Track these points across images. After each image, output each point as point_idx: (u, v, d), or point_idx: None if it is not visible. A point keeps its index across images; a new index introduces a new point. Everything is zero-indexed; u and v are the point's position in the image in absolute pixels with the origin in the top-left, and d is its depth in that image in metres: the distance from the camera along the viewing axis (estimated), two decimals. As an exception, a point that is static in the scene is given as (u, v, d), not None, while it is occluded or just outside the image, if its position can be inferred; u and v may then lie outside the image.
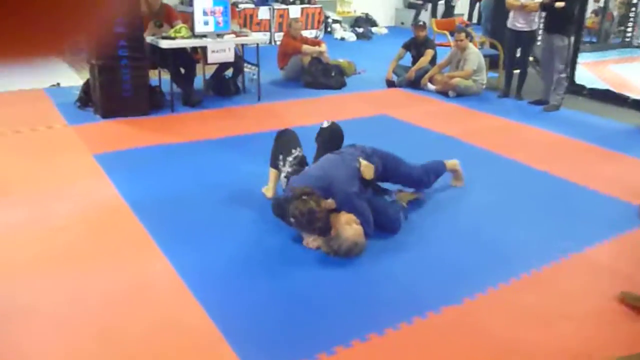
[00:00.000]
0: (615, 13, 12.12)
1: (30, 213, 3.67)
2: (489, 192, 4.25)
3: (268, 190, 3.93)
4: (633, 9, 11.84)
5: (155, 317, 2.68)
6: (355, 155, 3.59)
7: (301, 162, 3.76)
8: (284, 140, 3.88)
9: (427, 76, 7.42)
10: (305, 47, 7.66)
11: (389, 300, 2.87)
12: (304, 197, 3.13)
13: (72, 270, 3.06)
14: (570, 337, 2.65)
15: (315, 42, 8.04)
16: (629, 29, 11.95)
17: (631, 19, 11.90)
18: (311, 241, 3.28)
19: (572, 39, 6.53)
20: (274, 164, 3.86)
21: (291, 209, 3.16)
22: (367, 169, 3.54)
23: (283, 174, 3.72)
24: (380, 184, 3.85)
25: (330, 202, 3.22)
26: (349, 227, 3.16)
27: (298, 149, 3.82)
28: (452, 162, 4.28)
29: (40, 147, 4.92)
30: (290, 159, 3.74)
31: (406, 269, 3.17)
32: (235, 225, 3.58)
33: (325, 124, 4.05)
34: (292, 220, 3.19)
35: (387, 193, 3.81)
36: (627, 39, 11.96)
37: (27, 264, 3.08)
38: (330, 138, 3.93)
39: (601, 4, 11.78)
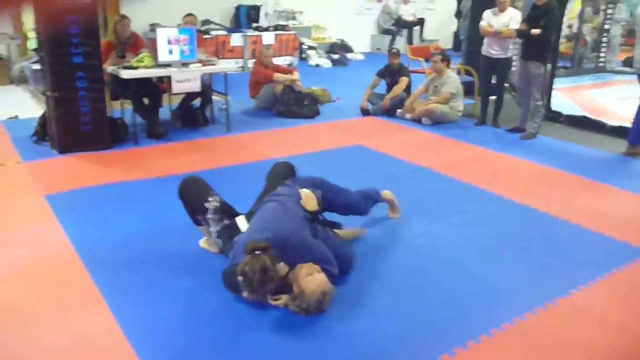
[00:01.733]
0: (588, 38, 12.16)
1: (-33, 263, 3.34)
2: (466, 230, 4.00)
3: (210, 245, 3.49)
4: (605, 34, 11.88)
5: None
6: (294, 192, 3.28)
7: (224, 212, 3.29)
8: (191, 198, 3.37)
9: (407, 105, 7.21)
10: (277, 75, 7.44)
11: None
12: (256, 253, 2.76)
13: (12, 326, 2.75)
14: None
15: (287, 70, 7.83)
16: (602, 54, 11.98)
17: (604, 44, 11.94)
18: (275, 302, 2.94)
19: (549, 65, 6.40)
20: (197, 223, 3.42)
21: (240, 265, 2.75)
22: (309, 199, 3.27)
23: (214, 235, 3.31)
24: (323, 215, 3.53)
25: (282, 267, 2.87)
26: (311, 278, 2.85)
27: (210, 199, 3.30)
28: (386, 193, 4.08)
29: (-12, 187, 4.58)
30: (209, 215, 3.27)
31: (379, 322, 2.88)
32: (192, 278, 3.25)
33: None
34: (240, 279, 2.74)
35: (336, 226, 3.49)
36: (601, 64, 11.98)
37: (-45, 326, 2.75)
38: (279, 174, 3.57)
39: (574, 29, 11.80)
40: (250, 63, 10.79)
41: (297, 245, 2.95)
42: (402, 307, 3.02)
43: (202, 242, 3.57)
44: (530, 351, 2.69)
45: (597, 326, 2.92)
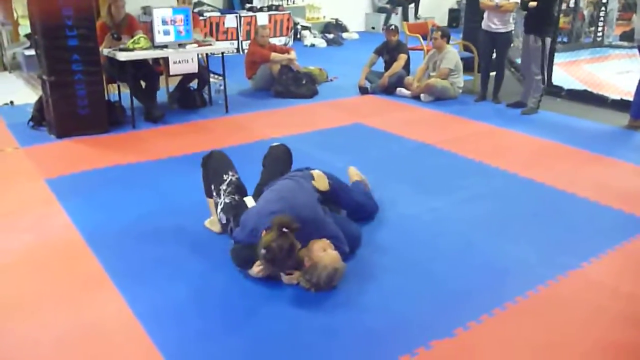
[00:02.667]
0: (585, 13, 12.06)
1: (-31, 250, 3.29)
2: (473, 205, 3.97)
3: (213, 224, 3.47)
4: (603, 8, 11.80)
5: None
6: (306, 173, 3.33)
7: (238, 188, 3.30)
8: (212, 167, 3.38)
9: (412, 83, 7.12)
10: (274, 55, 7.34)
11: (373, 337, 2.56)
12: (284, 230, 2.71)
13: (20, 313, 2.71)
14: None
15: (284, 50, 7.72)
16: (600, 29, 11.91)
17: (602, 19, 11.85)
18: (287, 278, 2.92)
19: (548, 39, 6.32)
20: (209, 194, 3.42)
21: (266, 239, 2.70)
22: (321, 179, 3.31)
23: (220, 207, 3.27)
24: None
25: (296, 243, 2.82)
26: (324, 254, 2.83)
27: (230, 172, 3.32)
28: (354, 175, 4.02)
29: (-13, 173, 4.51)
30: (223, 187, 3.27)
31: (391, 298, 2.85)
32: (200, 257, 3.22)
33: (275, 143, 3.72)
34: (264, 253, 2.72)
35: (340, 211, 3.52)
36: (599, 39, 11.91)
37: (-38, 312, 2.70)
38: (278, 158, 3.57)
39: (572, 4, 11.70)
40: (245, 44, 10.69)
41: (311, 220, 2.92)
42: (412, 283, 2.98)
43: (207, 222, 3.53)
44: (546, 324, 2.66)
45: (610, 297, 2.90)
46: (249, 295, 2.85)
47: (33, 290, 2.90)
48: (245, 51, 10.61)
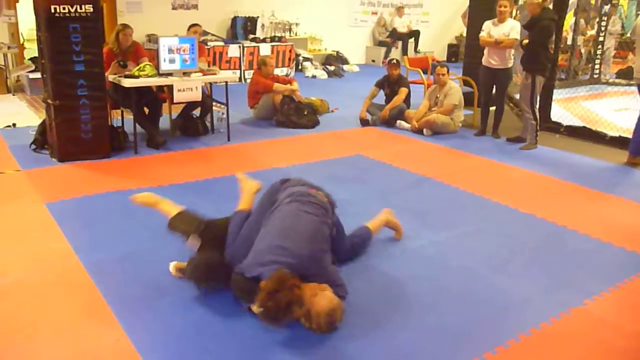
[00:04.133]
0: (582, 50, 12.26)
1: (-31, 273, 3.26)
2: (475, 239, 3.97)
3: (175, 269, 3.29)
4: (600, 46, 11.99)
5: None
6: (307, 190, 3.22)
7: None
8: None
9: (422, 120, 7.08)
10: (277, 86, 7.42)
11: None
12: (294, 287, 2.63)
13: (17, 337, 2.67)
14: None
15: (286, 80, 7.80)
16: (597, 66, 12.08)
17: (598, 56, 12.04)
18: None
19: (540, 78, 6.38)
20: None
21: (265, 300, 2.61)
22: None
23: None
24: None
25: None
26: (319, 297, 2.70)
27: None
28: (379, 220, 3.84)
29: (-13, 195, 4.50)
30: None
31: (392, 334, 2.83)
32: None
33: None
34: (261, 311, 2.64)
35: None
36: (596, 76, 12.07)
37: (-40, 337, 2.67)
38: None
39: (569, 41, 11.89)
40: (248, 74, 10.80)
41: (314, 273, 2.84)
42: (414, 319, 2.96)
43: (172, 268, 3.30)
44: (548, 361, 2.65)
45: (613, 334, 2.88)
46: (251, 326, 2.82)
47: (30, 316, 2.86)
48: (248, 80, 10.75)
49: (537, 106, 6.60)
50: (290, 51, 11.52)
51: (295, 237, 2.89)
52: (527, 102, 6.44)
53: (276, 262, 2.78)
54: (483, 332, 2.86)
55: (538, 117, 6.56)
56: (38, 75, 6.94)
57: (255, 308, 2.79)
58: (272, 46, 11.23)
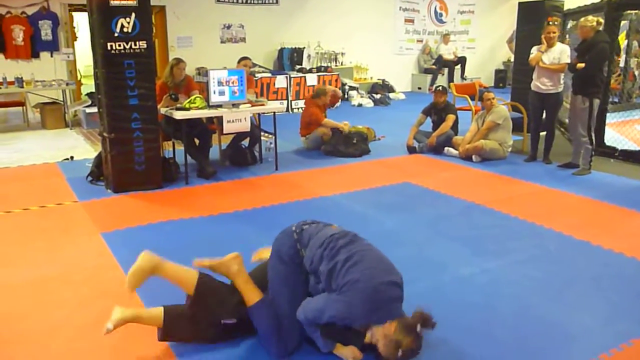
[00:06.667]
0: (636, 72, 11.93)
1: (31, 300, 3.38)
2: (528, 267, 3.87)
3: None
4: (654, 68, 11.66)
5: None
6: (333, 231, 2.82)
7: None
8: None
9: (469, 146, 7.00)
10: (327, 121, 7.46)
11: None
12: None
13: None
14: None
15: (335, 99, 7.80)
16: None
17: (653, 78, 11.70)
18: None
19: (596, 101, 6.25)
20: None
21: (408, 342, 2.47)
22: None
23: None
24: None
25: None
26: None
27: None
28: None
29: (47, 226, 4.67)
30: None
31: (446, 362, 2.78)
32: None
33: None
34: (400, 356, 2.47)
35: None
36: (651, 98, 11.71)
37: (21, 363, 2.75)
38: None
39: (622, 64, 11.60)
40: (294, 104, 10.98)
41: None
42: (470, 348, 2.89)
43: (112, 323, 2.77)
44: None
45: (680, 369, 2.75)
46: None
47: (88, 345, 2.93)
48: (295, 111, 10.90)
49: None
50: (336, 81, 11.65)
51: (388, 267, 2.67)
52: (584, 126, 6.29)
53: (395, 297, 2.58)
54: (539, 363, 2.77)
55: (594, 141, 6.41)
56: (94, 109, 7.22)
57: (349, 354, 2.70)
58: (319, 76, 11.39)
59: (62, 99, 9.27)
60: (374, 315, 2.48)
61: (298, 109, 11.09)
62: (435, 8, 14.56)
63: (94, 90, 6.20)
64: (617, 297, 3.45)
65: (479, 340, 2.97)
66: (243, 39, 11.75)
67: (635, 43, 11.91)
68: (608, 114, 7.47)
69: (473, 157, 6.92)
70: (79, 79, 10.53)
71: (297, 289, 2.78)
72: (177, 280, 2.87)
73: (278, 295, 2.78)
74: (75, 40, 10.23)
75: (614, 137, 7.72)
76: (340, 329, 2.66)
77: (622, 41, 11.76)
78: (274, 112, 6.57)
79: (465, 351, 2.87)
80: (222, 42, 11.55)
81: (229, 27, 11.59)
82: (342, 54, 12.76)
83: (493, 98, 7.01)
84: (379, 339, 2.50)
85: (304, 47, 12.02)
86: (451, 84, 10.93)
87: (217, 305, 2.82)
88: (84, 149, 7.57)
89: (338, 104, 9.72)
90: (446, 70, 14.11)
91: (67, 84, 9.26)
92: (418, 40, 14.44)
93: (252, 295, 2.81)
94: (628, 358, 2.83)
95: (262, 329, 2.77)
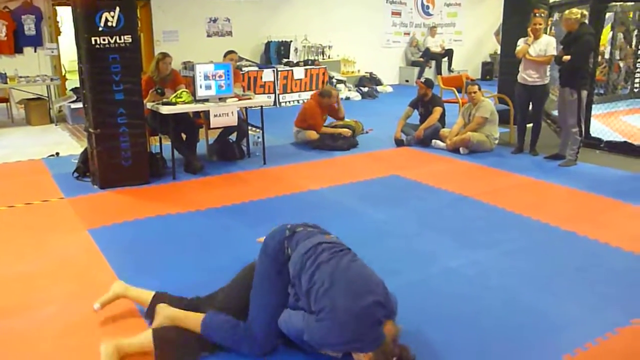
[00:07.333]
0: (621, 64, 12.03)
1: (18, 297, 3.35)
2: (516, 258, 3.90)
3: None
4: (638, 60, 11.74)
5: None
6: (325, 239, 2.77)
7: None
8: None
9: (457, 139, 7.02)
10: (324, 129, 7.41)
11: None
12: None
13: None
14: None
15: (336, 113, 7.73)
16: (637, 80, 11.83)
17: (638, 70, 11.78)
18: None
19: (584, 92, 6.29)
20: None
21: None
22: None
23: None
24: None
25: None
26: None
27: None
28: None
29: (33, 223, 4.63)
30: None
31: (438, 354, 2.79)
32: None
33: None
34: None
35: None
36: (635, 90, 11.81)
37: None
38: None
39: (607, 56, 11.69)
40: (282, 97, 10.95)
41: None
42: (458, 339, 2.91)
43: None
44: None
45: (665, 357, 2.78)
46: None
47: (78, 341, 2.91)
48: (282, 104, 10.87)
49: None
50: (323, 74, 11.62)
51: (365, 286, 2.52)
52: (574, 117, 6.32)
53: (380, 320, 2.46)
54: (527, 352, 2.80)
55: (583, 132, 6.46)
56: (79, 105, 7.16)
57: None
58: (306, 69, 11.35)
59: (46, 95, 9.17)
60: (352, 344, 2.44)
61: (286, 102, 11.06)
62: (422, 1, 14.54)
63: (78, 85, 6.14)
64: (602, 286, 3.49)
65: (464, 331, 2.99)
66: (229, 33, 11.67)
67: (620, 35, 12.00)
68: (593, 106, 7.52)
69: (460, 149, 6.95)
70: (63, 74, 10.41)
71: (273, 286, 2.72)
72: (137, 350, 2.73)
73: (256, 287, 2.77)
74: (59, 35, 10.11)
75: (599, 128, 7.78)
76: None
77: (607, 33, 11.85)
78: (262, 106, 6.55)
79: (450, 342, 2.89)
80: (208, 35, 11.47)
81: (215, 20, 11.51)
82: (329, 47, 12.73)
83: (476, 92, 7.02)
84: None
85: (291, 41, 11.97)
86: (438, 76, 10.96)
87: (184, 350, 2.75)
88: (69, 144, 7.50)
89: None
90: (433, 62, 14.11)
91: (51, 80, 9.16)
92: (405, 33, 14.42)
93: (193, 322, 2.79)
94: (614, 346, 2.86)
95: (223, 340, 2.73)
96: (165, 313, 2.86)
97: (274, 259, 2.73)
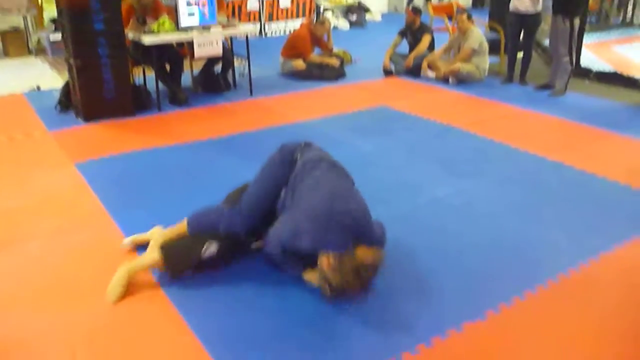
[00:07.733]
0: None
1: (3, 232, 3.34)
2: (502, 187, 3.93)
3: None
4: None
5: None
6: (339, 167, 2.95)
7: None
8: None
9: (425, 62, 7.05)
10: (313, 57, 7.28)
11: (404, 320, 2.55)
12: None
13: (48, 309, 2.64)
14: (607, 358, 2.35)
15: (326, 45, 7.57)
16: (629, 9, 11.64)
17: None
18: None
19: (577, 21, 6.18)
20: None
21: (340, 280, 2.53)
22: None
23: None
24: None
25: None
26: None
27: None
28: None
29: (17, 158, 4.56)
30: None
31: (421, 281, 2.85)
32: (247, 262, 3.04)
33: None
34: (333, 288, 2.57)
35: None
36: (628, 19, 11.64)
37: (-2, 293, 2.75)
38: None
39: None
40: (267, 27, 10.67)
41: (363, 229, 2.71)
42: (443, 265, 2.96)
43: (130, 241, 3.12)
44: (578, 306, 2.64)
45: (645, 281, 2.86)
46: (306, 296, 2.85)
47: (64, 282, 2.85)
48: (267, 34, 10.61)
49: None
50: (310, 2, 11.29)
51: (346, 198, 2.67)
52: (566, 46, 6.22)
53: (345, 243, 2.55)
54: (510, 278, 2.86)
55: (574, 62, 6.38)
56: (59, 36, 6.92)
57: (316, 280, 2.69)
58: (292, -3, 11.02)
59: (23, 26, 8.86)
60: (319, 242, 2.53)
61: (271, 32, 10.79)
62: None
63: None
64: (587, 215, 3.54)
65: (450, 259, 3.04)
66: (212, -41, 11.22)
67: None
68: (585, 35, 7.41)
69: (449, 79, 6.87)
70: (40, 4, 10.02)
71: (272, 178, 2.91)
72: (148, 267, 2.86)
73: (256, 178, 2.97)
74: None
75: (589, 58, 7.71)
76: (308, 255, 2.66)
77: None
78: (247, 36, 6.38)
79: (434, 269, 2.93)
80: (190, -38, 11.01)
81: (197, -55, 11.03)
82: (317, -27, 12.31)
83: (466, 20, 6.87)
84: (319, 268, 2.58)
85: (277, -33, 11.56)
86: (429, 3, 10.69)
87: (186, 252, 2.84)
88: (50, 77, 7.32)
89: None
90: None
91: (27, 10, 8.82)
92: (394, -41, 13.96)
93: (178, 228, 2.99)
94: (596, 271, 2.93)
95: (208, 223, 2.91)
96: (158, 238, 2.99)
97: (283, 155, 2.94)
